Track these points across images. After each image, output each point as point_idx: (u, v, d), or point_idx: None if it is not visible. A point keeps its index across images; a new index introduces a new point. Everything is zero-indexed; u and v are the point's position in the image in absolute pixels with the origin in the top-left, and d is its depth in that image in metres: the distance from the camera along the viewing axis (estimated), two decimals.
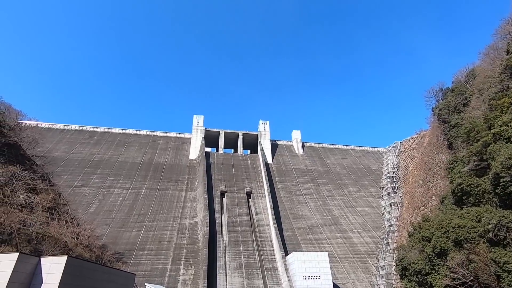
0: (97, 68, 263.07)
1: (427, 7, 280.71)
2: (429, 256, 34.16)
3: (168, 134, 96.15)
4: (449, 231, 32.83)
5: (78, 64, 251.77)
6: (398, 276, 43.88)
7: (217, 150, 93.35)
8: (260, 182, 78.84)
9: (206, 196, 65.64)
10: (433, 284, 33.41)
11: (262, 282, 50.79)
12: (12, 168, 40.51)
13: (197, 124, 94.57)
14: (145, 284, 42.86)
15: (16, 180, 39.14)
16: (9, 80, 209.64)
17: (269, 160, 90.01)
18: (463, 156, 40.37)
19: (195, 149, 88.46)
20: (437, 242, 33.36)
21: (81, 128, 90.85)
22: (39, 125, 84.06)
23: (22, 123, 61.73)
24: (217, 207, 67.22)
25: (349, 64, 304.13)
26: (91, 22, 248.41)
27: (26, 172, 42.21)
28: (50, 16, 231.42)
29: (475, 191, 34.97)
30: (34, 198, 39.84)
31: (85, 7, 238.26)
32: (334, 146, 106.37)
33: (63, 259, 20.51)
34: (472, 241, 30.71)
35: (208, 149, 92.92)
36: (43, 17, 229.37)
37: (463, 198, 36.60)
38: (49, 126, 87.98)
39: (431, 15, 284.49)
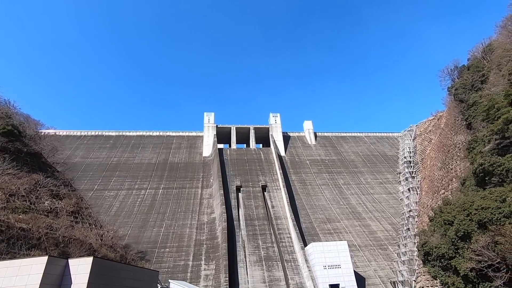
0: (106, 72, 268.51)
1: None
2: (452, 240, 33.36)
3: (180, 134, 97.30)
4: (472, 213, 31.90)
5: (85, 67, 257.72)
6: (421, 262, 43.18)
7: (230, 146, 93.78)
8: (274, 175, 78.86)
9: (222, 192, 66.35)
10: (457, 268, 32.69)
11: (283, 273, 51.16)
12: (36, 176, 42.26)
13: (208, 122, 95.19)
14: (169, 280, 44.01)
15: (40, 187, 40.86)
16: (26, 89, 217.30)
17: (282, 153, 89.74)
18: (484, 135, 38.89)
19: (208, 146, 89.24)
20: (460, 225, 32.50)
21: (97, 133, 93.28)
22: (57, 133, 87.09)
23: (41, 132, 64.27)
24: (233, 202, 67.86)
25: (354, 51, 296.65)
26: (97, 25, 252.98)
27: (48, 179, 43.99)
28: (60, 23, 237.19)
29: (498, 170, 33.70)
30: (58, 203, 41.49)
31: (93, 14, 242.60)
32: (347, 134, 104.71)
33: (89, 260, 21.29)
34: (497, 222, 29.76)
35: (220, 146, 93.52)
36: (54, 24, 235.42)
37: (486, 178, 35.38)
38: (67, 133, 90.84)
39: None
